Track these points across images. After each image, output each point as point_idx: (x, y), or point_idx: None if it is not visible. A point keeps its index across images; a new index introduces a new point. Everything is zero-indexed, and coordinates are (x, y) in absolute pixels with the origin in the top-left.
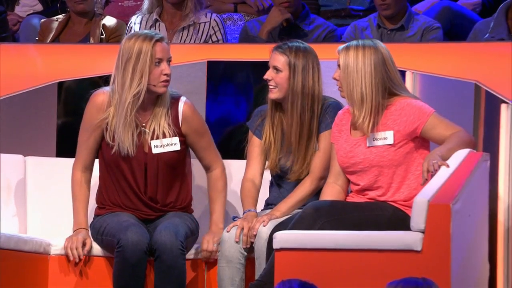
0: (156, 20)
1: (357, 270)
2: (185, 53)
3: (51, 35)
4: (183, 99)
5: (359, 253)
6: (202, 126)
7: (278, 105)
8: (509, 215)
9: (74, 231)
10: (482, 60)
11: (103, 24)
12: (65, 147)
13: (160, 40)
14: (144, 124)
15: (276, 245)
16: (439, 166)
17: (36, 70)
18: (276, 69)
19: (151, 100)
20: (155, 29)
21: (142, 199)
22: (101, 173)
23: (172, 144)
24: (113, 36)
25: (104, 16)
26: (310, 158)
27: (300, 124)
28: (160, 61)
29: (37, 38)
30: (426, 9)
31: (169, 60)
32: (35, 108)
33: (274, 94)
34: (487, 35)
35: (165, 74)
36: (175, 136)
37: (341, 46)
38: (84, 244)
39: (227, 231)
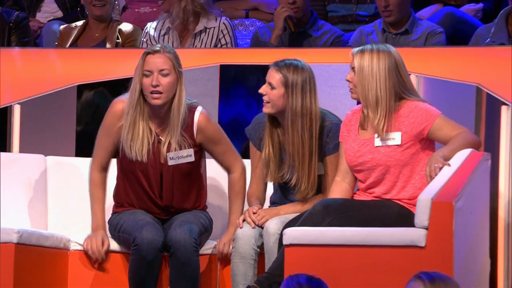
0: (169, 28)
1: (364, 265)
2: (199, 57)
3: (70, 40)
4: (199, 109)
5: (365, 249)
6: (218, 134)
7: (275, 120)
8: (510, 212)
9: (92, 231)
10: (483, 63)
11: (119, 29)
12: (84, 147)
13: (152, 53)
14: (159, 134)
15: (286, 241)
16: (441, 169)
17: (56, 74)
18: (271, 85)
19: (163, 110)
20: (168, 36)
21: (158, 205)
22: (119, 174)
23: (187, 156)
24: (129, 41)
25: (121, 22)
26: (314, 177)
27: (301, 144)
28: (149, 73)
29: (56, 43)
30: (430, 15)
31: (161, 72)
32: (55, 110)
33: (266, 108)
34: (488, 39)
35: (152, 85)
36: (190, 147)
37: (356, 49)
38: (102, 244)
39: (240, 227)
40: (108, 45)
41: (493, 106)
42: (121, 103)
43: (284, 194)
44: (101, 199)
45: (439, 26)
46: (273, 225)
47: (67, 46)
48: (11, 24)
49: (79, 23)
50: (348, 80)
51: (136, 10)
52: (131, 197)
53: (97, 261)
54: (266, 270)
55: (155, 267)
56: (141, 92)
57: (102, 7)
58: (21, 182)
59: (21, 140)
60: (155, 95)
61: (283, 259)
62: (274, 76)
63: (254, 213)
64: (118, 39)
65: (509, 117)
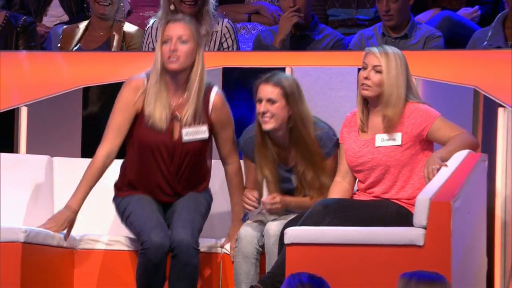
0: None
1: (363, 264)
2: None
3: (73, 42)
4: (215, 89)
5: (365, 247)
6: (229, 118)
7: (267, 138)
8: (506, 212)
9: (65, 206)
10: (480, 66)
11: (124, 31)
12: (90, 148)
13: (173, 21)
14: (176, 110)
15: (287, 240)
16: (438, 170)
17: (62, 77)
18: (271, 100)
19: (182, 82)
20: None
21: (166, 179)
22: (129, 155)
23: (201, 132)
24: (133, 42)
25: (124, 23)
26: (322, 180)
27: (309, 148)
28: (168, 39)
29: (59, 45)
30: (428, 19)
31: (181, 39)
32: (61, 112)
33: (270, 124)
34: (485, 43)
35: (170, 51)
36: (205, 124)
37: (375, 48)
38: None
39: (245, 230)
40: (114, 44)
41: (490, 108)
42: (137, 79)
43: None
44: (92, 182)
45: (437, 30)
46: (273, 226)
47: (71, 46)
48: (18, 29)
49: (82, 24)
50: (367, 78)
51: (141, 14)
52: (140, 174)
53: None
54: (268, 270)
55: (162, 269)
56: (162, 64)
57: (106, 6)
58: (28, 183)
59: (28, 141)
60: (172, 59)
61: (284, 258)
62: (272, 91)
63: (255, 197)
64: (122, 41)
65: (506, 119)
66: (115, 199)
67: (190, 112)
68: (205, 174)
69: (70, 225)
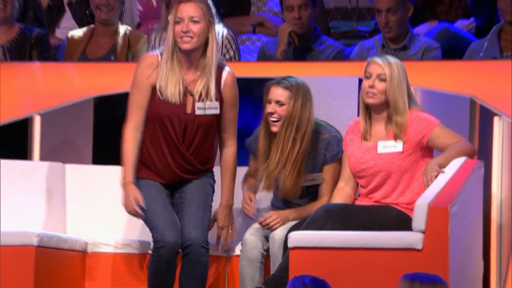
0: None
1: (364, 267)
2: None
3: (78, 49)
4: (227, 69)
5: (366, 251)
6: (235, 99)
7: (273, 136)
8: (502, 216)
9: (123, 184)
10: (477, 76)
11: (128, 38)
12: (101, 155)
13: (184, 1)
14: (189, 85)
15: (290, 244)
16: (436, 176)
17: (74, 86)
18: (279, 103)
19: (195, 60)
20: None
21: (180, 151)
22: (143, 133)
23: (214, 107)
24: (137, 49)
25: (128, 29)
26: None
27: (309, 150)
28: (180, 19)
29: (65, 50)
30: (426, 31)
31: (193, 19)
32: (73, 120)
33: (278, 127)
34: (481, 54)
35: (183, 31)
36: (217, 100)
37: (378, 58)
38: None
39: (250, 234)
40: (118, 50)
41: (486, 116)
42: (151, 55)
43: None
44: (132, 156)
45: (435, 41)
46: (278, 231)
47: (77, 53)
48: (32, 40)
49: (86, 29)
50: (372, 86)
51: (150, 26)
52: (154, 150)
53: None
54: (272, 273)
55: (173, 267)
56: (175, 42)
57: (108, 12)
58: (41, 189)
59: (41, 149)
60: (185, 39)
61: (288, 261)
62: (281, 94)
63: (250, 200)
64: (127, 48)
65: (501, 127)
66: None
67: (204, 87)
68: (213, 150)
69: (138, 194)
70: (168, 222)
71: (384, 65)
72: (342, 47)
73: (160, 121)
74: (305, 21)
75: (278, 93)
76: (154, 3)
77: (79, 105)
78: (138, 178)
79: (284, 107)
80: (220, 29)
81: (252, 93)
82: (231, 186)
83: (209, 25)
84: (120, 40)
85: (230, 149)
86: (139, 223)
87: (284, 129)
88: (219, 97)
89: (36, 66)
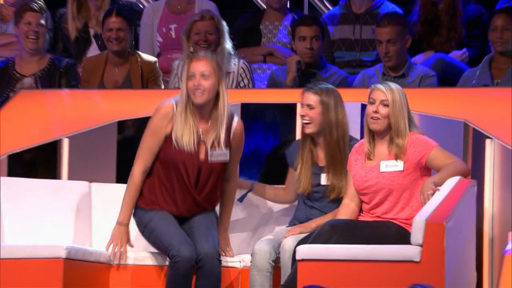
0: None
1: (366, 278)
2: None
3: (95, 77)
4: (236, 118)
5: (368, 263)
6: (242, 145)
7: (309, 139)
8: (493, 230)
9: (118, 223)
10: (470, 102)
11: (140, 66)
12: (124, 174)
13: (195, 58)
14: (203, 133)
15: (298, 256)
16: (433, 194)
17: (99, 112)
18: (310, 106)
19: (207, 111)
20: None
21: (190, 193)
22: (157, 170)
23: (224, 154)
24: (152, 74)
25: (139, 55)
26: (344, 179)
27: (339, 151)
28: (193, 75)
29: (80, 73)
30: (423, 60)
31: (203, 76)
32: (98, 142)
33: (309, 129)
34: (474, 81)
35: (195, 86)
36: (227, 148)
37: (380, 85)
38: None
39: (260, 245)
40: (134, 79)
41: (478, 139)
42: (167, 105)
43: (306, 210)
44: (135, 198)
45: (431, 70)
46: (289, 242)
47: (96, 84)
48: (61, 69)
49: (97, 53)
50: (376, 111)
51: (169, 56)
52: (166, 190)
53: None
54: (282, 283)
55: (189, 280)
56: (188, 95)
57: (119, 43)
58: (69, 205)
59: (69, 169)
60: (197, 94)
61: (296, 272)
62: (311, 98)
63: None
64: (141, 75)
65: (492, 149)
66: (137, 210)
67: (216, 137)
68: (219, 192)
69: (128, 237)
70: (182, 239)
71: (386, 91)
72: (346, 75)
73: (175, 167)
74: (315, 52)
75: (308, 97)
76: (173, 35)
77: (103, 128)
78: (148, 209)
79: (314, 110)
80: (236, 60)
81: (263, 117)
82: (230, 214)
83: (219, 80)
84: (134, 69)
85: (232, 184)
86: None
87: (328, 135)
88: (229, 145)
89: (65, 93)
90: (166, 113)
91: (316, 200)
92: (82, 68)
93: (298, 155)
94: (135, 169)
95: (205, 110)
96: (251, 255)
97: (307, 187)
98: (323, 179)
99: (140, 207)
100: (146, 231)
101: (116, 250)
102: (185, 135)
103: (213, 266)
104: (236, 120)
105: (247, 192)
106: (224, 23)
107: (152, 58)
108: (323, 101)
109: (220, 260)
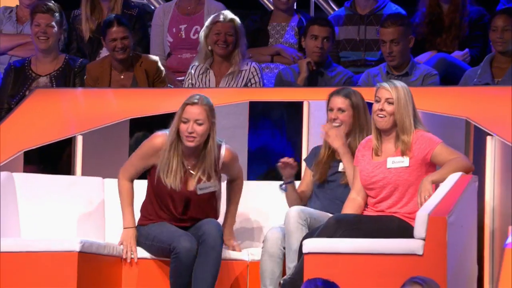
0: (206, 68)
1: (370, 271)
2: (232, 95)
3: (101, 83)
4: (223, 146)
5: (372, 256)
6: (236, 163)
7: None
8: (494, 223)
9: (125, 228)
10: (471, 101)
11: (144, 69)
12: None
13: (191, 104)
14: (191, 168)
15: (305, 250)
16: (429, 197)
17: (112, 110)
18: (341, 110)
19: (197, 150)
20: (206, 75)
21: (181, 219)
22: (149, 190)
23: (213, 186)
24: (157, 75)
25: (142, 58)
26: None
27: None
28: (187, 120)
29: (85, 77)
30: (426, 60)
31: (197, 122)
32: (111, 139)
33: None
34: (475, 80)
35: (188, 132)
36: (216, 178)
37: (386, 84)
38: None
39: (271, 232)
40: (140, 83)
41: (480, 136)
42: (160, 138)
43: (319, 200)
44: (131, 203)
45: (434, 69)
46: (294, 208)
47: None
48: (75, 69)
49: (102, 60)
50: (382, 109)
51: (179, 56)
52: (158, 210)
53: (127, 256)
54: (287, 262)
55: (191, 269)
56: (178, 134)
57: (125, 51)
58: (83, 200)
59: (83, 165)
60: (190, 139)
61: (303, 265)
62: (342, 101)
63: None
64: (146, 77)
65: (493, 146)
66: (139, 228)
67: (203, 173)
68: (216, 208)
69: (136, 238)
70: (182, 233)
71: (391, 89)
72: (351, 74)
73: (162, 198)
74: (324, 51)
75: (338, 101)
76: (183, 35)
77: (116, 126)
78: (148, 224)
79: (345, 113)
80: (248, 62)
81: (270, 116)
82: (235, 212)
83: (211, 125)
84: (138, 73)
85: (238, 182)
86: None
87: (348, 133)
88: (218, 174)
89: (79, 92)
90: (155, 146)
91: (330, 189)
92: (87, 74)
93: (315, 159)
94: (122, 179)
95: (195, 151)
96: (262, 242)
97: (323, 176)
98: (341, 167)
99: (141, 225)
100: (149, 241)
101: (126, 251)
102: (168, 178)
103: (214, 241)
104: (224, 148)
105: (289, 182)
106: (242, 26)
107: (154, 58)
108: (353, 103)
109: (223, 241)
